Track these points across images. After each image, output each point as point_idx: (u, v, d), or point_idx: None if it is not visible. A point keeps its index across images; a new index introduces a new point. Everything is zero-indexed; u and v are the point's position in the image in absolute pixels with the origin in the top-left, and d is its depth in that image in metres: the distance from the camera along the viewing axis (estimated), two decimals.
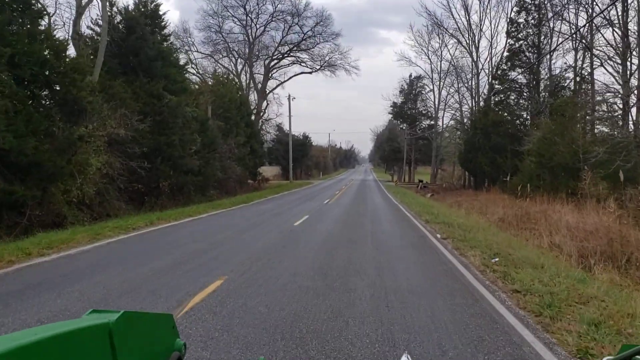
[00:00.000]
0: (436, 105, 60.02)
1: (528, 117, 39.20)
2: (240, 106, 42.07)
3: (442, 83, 58.39)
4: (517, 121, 39.73)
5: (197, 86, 36.72)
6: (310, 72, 62.09)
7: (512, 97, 40.10)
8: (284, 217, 18.22)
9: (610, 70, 26.25)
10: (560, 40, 34.12)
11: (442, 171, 58.02)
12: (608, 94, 25.48)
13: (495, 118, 38.44)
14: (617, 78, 25.35)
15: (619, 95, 24.62)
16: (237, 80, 53.14)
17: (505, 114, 39.49)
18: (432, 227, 16.32)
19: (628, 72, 24.24)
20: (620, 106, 25.10)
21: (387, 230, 15.43)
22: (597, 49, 27.85)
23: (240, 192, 35.12)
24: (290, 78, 67.31)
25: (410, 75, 66.04)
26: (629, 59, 24.24)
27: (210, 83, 41.74)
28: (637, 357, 1.08)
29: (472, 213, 24.92)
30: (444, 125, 60.46)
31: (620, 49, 24.57)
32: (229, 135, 34.64)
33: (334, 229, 15.07)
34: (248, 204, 24.74)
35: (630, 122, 24.63)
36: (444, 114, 59.95)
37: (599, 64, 27.71)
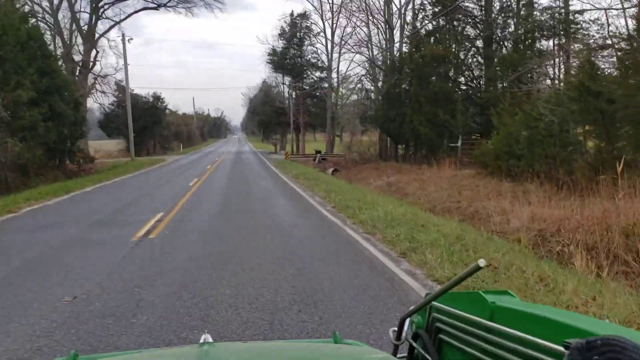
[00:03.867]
0: (329, 51, 47.48)
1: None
2: (28, 42, 26.13)
3: (336, 20, 45.84)
4: (470, 54, 28.24)
5: None
6: (156, 7, 46.37)
7: (459, 22, 28.41)
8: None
9: None
10: None
11: (352, 138, 45.36)
12: None
13: (434, 52, 26.48)
14: None
15: None
16: (47, 19, 36.43)
17: (453, 45, 27.69)
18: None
19: None
20: None
21: None
22: None
23: (29, 185, 20.07)
24: (130, 16, 50.35)
25: (292, 14, 52.54)
26: None
27: None
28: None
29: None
30: (341, 77, 48.22)
31: None
32: None
33: None
34: None
35: None
36: (338, 63, 47.64)
37: None
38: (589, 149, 15.13)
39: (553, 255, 10.74)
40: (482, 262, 1.03)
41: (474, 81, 28.46)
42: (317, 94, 53.01)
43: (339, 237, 8.82)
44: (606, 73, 13.96)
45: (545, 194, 16.05)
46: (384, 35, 35.81)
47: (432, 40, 28.32)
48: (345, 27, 59.11)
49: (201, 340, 1.40)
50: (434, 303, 1.36)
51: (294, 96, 52.33)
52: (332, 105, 48.16)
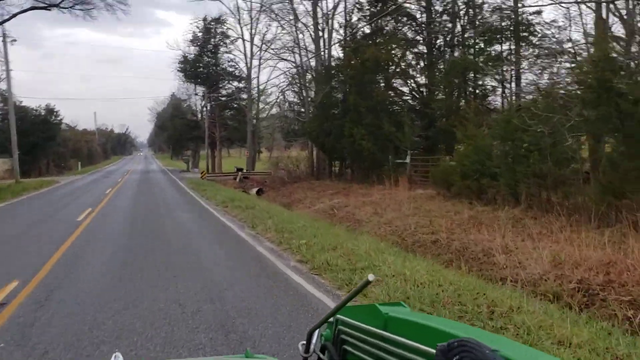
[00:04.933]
0: (248, 59, 43.45)
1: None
2: None
3: (255, 25, 41.98)
4: (413, 61, 25.35)
5: None
6: (46, 7, 40.19)
7: (402, 25, 25.48)
8: None
9: None
10: None
11: (274, 154, 40.97)
12: None
13: (377, 56, 23.31)
14: None
15: None
16: None
17: (394, 47, 24.61)
18: None
19: None
20: None
21: None
22: None
23: None
24: (15, 16, 43.63)
25: (205, 19, 47.84)
26: None
27: None
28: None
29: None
30: (262, 87, 44.30)
31: None
32: None
33: None
34: None
35: None
36: (259, 72, 43.73)
37: None
38: (602, 166, 12.19)
39: (618, 321, 7.50)
40: (371, 277, 1.12)
41: (419, 90, 25.59)
42: (236, 105, 48.65)
43: None
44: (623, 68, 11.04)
45: (547, 224, 13.01)
46: (313, 40, 32.35)
47: (371, 43, 25.13)
48: (265, 33, 55.25)
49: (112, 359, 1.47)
50: (339, 316, 1.42)
51: (208, 108, 47.60)
52: (252, 118, 44.04)
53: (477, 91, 23.09)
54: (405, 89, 25.85)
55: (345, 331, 1.42)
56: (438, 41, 25.12)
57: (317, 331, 1.51)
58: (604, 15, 17.59)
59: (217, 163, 49.78)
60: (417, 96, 24.88)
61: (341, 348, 1.44)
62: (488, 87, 22.65)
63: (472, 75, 23.59)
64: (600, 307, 8.11)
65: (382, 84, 24.56)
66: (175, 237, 10.38)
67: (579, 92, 11.91)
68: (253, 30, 42.44)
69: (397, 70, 24.81)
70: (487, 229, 13.15)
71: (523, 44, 22.56)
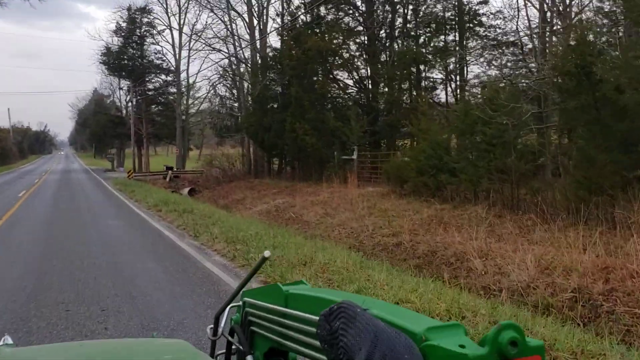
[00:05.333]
0: (177, 51, 41.09)
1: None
2: None
3: (184, 14, 39.75)
4: (356, 52, 24.23)
5: None
6: None
7: (343, 14, 24.28)
8: None
9: None
10: None
11: (204, 151, 38.40)
12: None
13: (321, 46, 22.02)
14: None
15: None
16: None
17: (336, 36, 23.33)
18: None
19: None
20: None
21: None
22: None
23: None
24: None
25: (129, 9, 44.72)
26: None
27: None
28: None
29: None
30: (193, 76, 42.08)
31: None
32: None
33: None
34: None
35: None
36: (188, 64, 41.44)
37: None
38: (574, 159, 11.42)
39: (635, 337, 6.56)
40: (267, 253, 1.24)
41: (362, 83, 24.46)
42: (164, 100, 45.96)
43: None
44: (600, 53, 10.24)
45: (517, 222, 12.09)
46: (247, 30, 30.51)
47: (311, 33, 23.74)
48: (196, 23, 52.58)
49: (0, 343, 1.43)
50: (246, 299, 1.45)
51: (134, 103, 44.59)
52: (182, 113, 41.63)
53: (424, 84, 22.28)
54: (350, 82, 24.68)
55: (252, 312, 1.43)
56: (381, 32, 24.07)
57: (225, 314, 1.53)
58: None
59: (145, 161, 46.89)
60: (362, 89, 23.70)
61: (249, 329, 1.46)
62: (437, 79, 21.86)
63: (417, 67, 22.73)
64: (608, 320, 7.15)
65: (326, 76, 23.21)
66: (102, 254, 8.53)
67: (556, 79, 11.00)
68: (182, 20, 40.14)
69: (341, 61, 23.55)
70: (453, 229, 12.12)
71: (468, 35, 21.95)
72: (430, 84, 22.57)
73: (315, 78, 22.73)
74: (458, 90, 21.40)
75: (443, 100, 22.62)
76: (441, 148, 15.31)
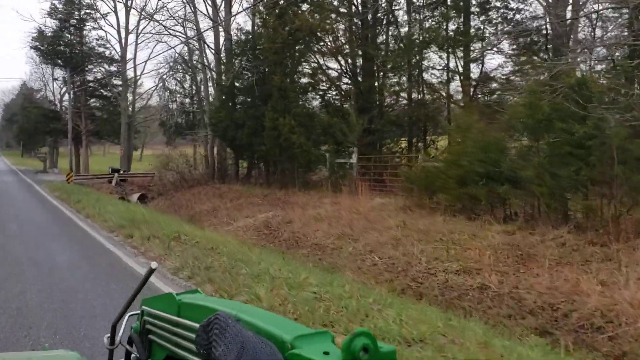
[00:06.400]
0: (122, 37, 36.10)
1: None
2: None
3: None
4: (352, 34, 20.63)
5: None
6: None
7: None
8: None
9: None
10: None
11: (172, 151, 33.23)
12: None
13: (310, 24, 18.29)
14: None
15: None
16: None
17: (327, 14, 19.52)
18: None
19: None
20: None
21: None
22: None
23: None
24: None
25: None
26: None
27: None
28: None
29: None
30: (142, 64, 37.23)
31: None
32: None
33: None
34: None
35: None
36: (135, 52, 36.61)
37: None
38: None
39: None
40: (154, 265, 1.24)
41: (356, 73, 20.78)
42: (105, 92, 40.74)
43: None
44: None
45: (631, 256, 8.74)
46: (207, 9, 26.10)
47: (297, 10, 19.89)
48: (146, 3, 46.85)
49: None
50: (145, 308, 1.43)
51: (72, 95, 39.02)
52: (127, 108, 36.64)
53: (437, 74, 18.91)
54: (340, 71, 20.90)
55: (149, 321, 1.42)
56: (378, 14, 20.52)
57: (122, 324, 1.50)
58: None
59: (84, 162, 41.45)
60: (357, 80, 19.98)
61: (147, 338, 1.44)
62: (454, 70, 18.42)
63: (421, 55, 19.31)
64: None
65: (317, 62, 19.45)
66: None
67: None
68: (129, 2, 35.19)
69: (333, 45, 19.83)
70: (558, 266, 8.70)
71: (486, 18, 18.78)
72: (438, 74, 19.13)
73: (304, 61, 18.91)
74: (474, 84, 18.15)
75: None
76: (495, 151, 11.90)
